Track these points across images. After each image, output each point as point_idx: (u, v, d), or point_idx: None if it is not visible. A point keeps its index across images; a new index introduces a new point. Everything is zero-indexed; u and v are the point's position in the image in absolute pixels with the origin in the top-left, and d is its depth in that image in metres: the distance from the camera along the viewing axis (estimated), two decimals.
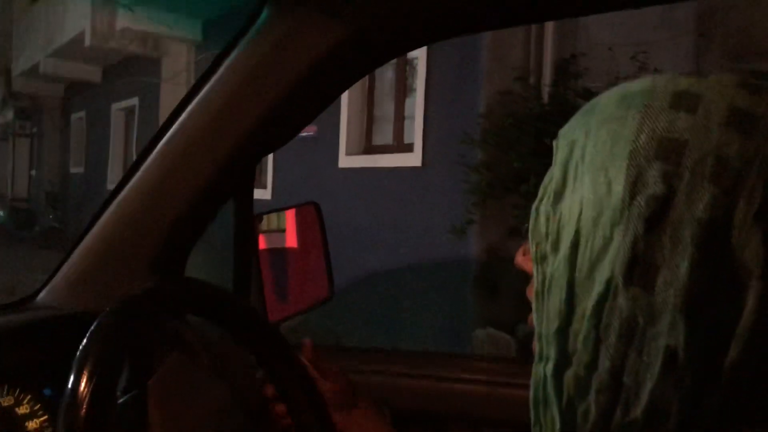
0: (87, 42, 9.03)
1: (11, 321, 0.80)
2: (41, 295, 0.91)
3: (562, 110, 3.86)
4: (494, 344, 4.02)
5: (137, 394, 0.65)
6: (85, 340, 0.56)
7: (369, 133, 5.78)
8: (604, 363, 0.39)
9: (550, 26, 4.29)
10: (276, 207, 1.01)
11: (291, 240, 1.02)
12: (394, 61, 5.03)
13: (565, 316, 0.41)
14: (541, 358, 0.44)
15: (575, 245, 0.41)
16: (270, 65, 0.84)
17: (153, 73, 8.96)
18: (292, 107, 0.87)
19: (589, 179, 0.41)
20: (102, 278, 0.88)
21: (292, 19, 0.82)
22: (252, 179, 0.95)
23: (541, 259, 0.44)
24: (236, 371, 0.77)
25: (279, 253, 1.00)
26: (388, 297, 4.96)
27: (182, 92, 0.90)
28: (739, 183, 0.36)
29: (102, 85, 10.93)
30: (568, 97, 3.96)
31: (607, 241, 0.39)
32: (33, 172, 14.88)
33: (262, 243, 0.95)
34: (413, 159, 4.99)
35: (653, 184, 0.38)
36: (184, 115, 0.88)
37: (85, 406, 0.52)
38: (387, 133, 5.63)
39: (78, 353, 0.55)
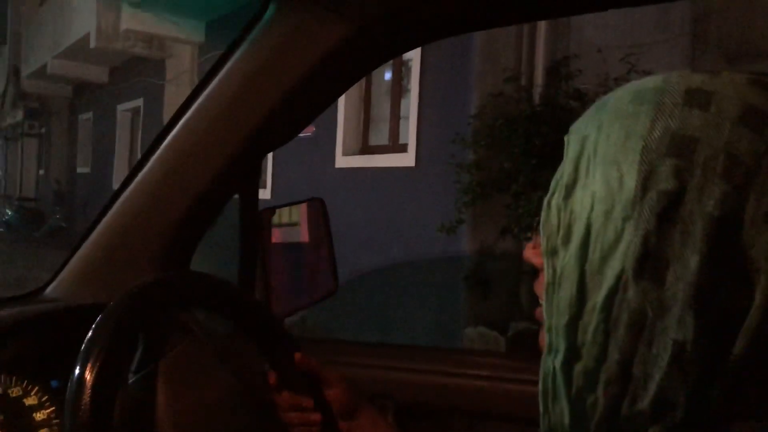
0: (92, 43, 9.00)
1: (19, 313, 0.79)
2: (49, 288, 0.90)
3: (553, 111, 3.86)
4: (485, 343, 4.02)
5: (146, 374, 0.64)
6: (90, 333, 0.55)
7: (365, 133, 5.77)
8: (614, 355, 0.39)
9: (542, 27, 4.28)
10: (277, 206, 1.00)
11: (298, 235, 1.02)
12: (391, 61, 5.03)
13: (575, 309, 0.41)
14: (550, 351, 0.43)
15: (586, 239, 0.40)
16: (273, 65, 0.83)
17: (157, 74, 8.95)
18: (295, 105, 0.85)
19: (601, 174, 0.40)
20: (108, 272, 0.87)
21: (294, 20, 0.81)
22: (257, 175, 0.94)
23: (552, 253, 0.43)
24: (242, 363, 0.75)
25: (285, 248, 0.99)
26: (380, 295, 4.96)
27: (186, 92, 0.89)
28: (750, 180, 0.36)
29: (108, 86, 10.91)
30: (559, 99, 3.96)
31: (619, 235, 0.39)
32: (41, 172, 14.83)
33: (270, 238, 0.94)
34: (407, 159, 4.99)
35: (665, 180, 0.37)
36: (188, 114, 0.86)
37: (89, 398, 0.51)
38: (383, 133, 5.63)
39: (83, 345, 0.54)
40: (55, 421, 0.71)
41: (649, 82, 0.42)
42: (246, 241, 0.92)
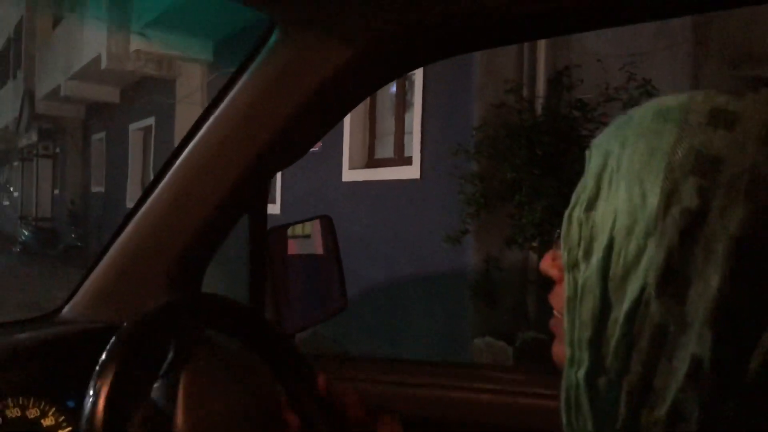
0: (104, 64, 9.09)
1: (36, 336, 0.79)
2: (64, 310, 0.90)
3: (555, 121, 3.85)
4: (493, 353, 4.00)
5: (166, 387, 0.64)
6: (104, 355, 0.55)
7: (371, 147, 5.78)
8: (636, 368, 0.39)
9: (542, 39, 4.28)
10: (286, 222, 1.00)
11: (307, 252, 1.02)
12: None
13: (598, 323, 0.41)
14: (572, 364, 0.43)
15: (609, 253, 0.40)
16: (280, 86, 0.83)
17: (168, 93, 9.00)
18: (303, 124, 0.86)
19: (624, 189, 0.40)
20: (122, 293, 0.87)
21: (300, 41, 0.81)
22: (266, 195, 0.94)
23: (573, 266, 0.43)
24: (254, 384, 0.75)
25: (294, 266, 0.99)
26: (388, 307, 4.94)
27: (197, 111, 0.89)
28: None
29: (120, 106, 10.99)
30: (561, 109, 3.96)
31: (641, 251, 0.39)
32: (56, 192, 14.93)
33: (279, 256, 0.94)
34: (412, 171, 4.99)
35: (688, 198, 0.37)
36: (198, 135, 0.87)
37: (101, 420, 0.51)
38: (388, 147, 5.64)
39: (97, 368, 0.54)
40: None
41: (674, 100, 0.42)
42: (256, 259, 0.92)
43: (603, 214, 0.41)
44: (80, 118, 13.11)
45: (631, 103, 3.29)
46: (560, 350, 0.45)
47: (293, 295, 0.95)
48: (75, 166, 13.49)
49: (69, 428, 0.72)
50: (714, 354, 0.36)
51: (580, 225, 0.43)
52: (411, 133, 5.16)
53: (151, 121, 9.85)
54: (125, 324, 0.58)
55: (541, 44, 4.28)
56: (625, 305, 0.39)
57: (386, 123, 5.70)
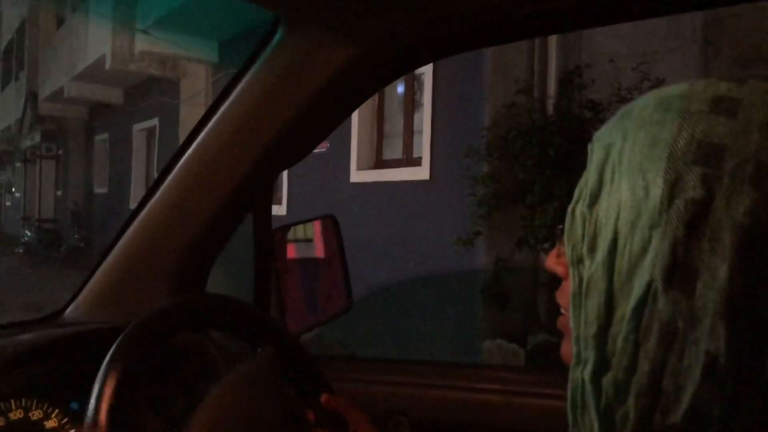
0: (108, 65, 9.15)
1: (40, 337, 0.80)
2: (68, 311, 0.91)
3: (566, 122, 3.84)
4: (504, 356, 3.99)
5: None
6: (108, 357, 0.56)
7: (379, 148, 5.79)
8: (644, 367, 0.38)
9: (553, 38, 4.27)
10: (291, 222, 1.01)
11: (311, 253, 1.02)
12: (403, 77, 5.04)
13: (604, 319, 0.40)
14: (578, 362, 0.43)
15: (613, 248, 0.40)
16: (285, 83, 0.84)
17: (172, 93, 9.04)
18: (307, 123, 0.86)
19: (626, 182, 0.40)
20: (126, 294, 0.88)
21: (304, 39, 0.82)
22: (270, 194, 0.95)
23: (578, 262, 0.43)
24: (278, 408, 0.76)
25: (299, 266, 1.00)
26: (398, 309, 4.94)
27: (201, 112, 0.90)
28: None
29: (123, 107, 11.05)
30: (572, 109, 3.95)
31: (646, 244, 0.38)
32: (59, 193, 15.03)
33: (283, 256, 0.95)
34: (422, 172, 4.98)
35: (692, 188, 0.37)
36: (202, 135, 0.88)
37: (105, 422, 0.52)
38: (397, 147, 5.64)
39: (101, 369, 0.55)
40: None
41: (675, 89, 0.42)
42: (260, 259, 0.92)
43: (606, 208, 0.41)
44: (84, 119, 13.18)
45: None
46: (568, 349, 0.45)
47: (298, 296, 0.96)
48: (78, 167, 13.57)
49: (72, 430, 0.73)
50: (729, 350, 0.35)
51: (584, 220, 0.43)
52: (420, 133, 5.16)
53: (155, 121, 9.90)
54: (129, 325, 0.59)
55: (552, 44, 4.27)
56: (632, 301, 0.39)
57: (394, 123, 5.70)
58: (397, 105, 5.67)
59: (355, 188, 5.69)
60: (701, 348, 0.36)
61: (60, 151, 14.89)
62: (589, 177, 0.44)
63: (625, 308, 0.39)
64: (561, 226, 0.46)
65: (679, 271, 0.37)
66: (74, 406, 0.74)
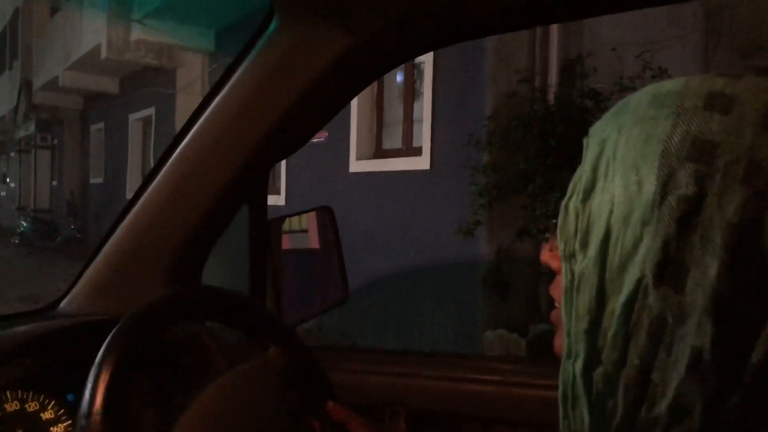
0: (103, 54, 9.13)
1: (36, 329, 0.80)
2: (63, 302, 0.92)
3: (568, 111, 3.84)
4: (505, 345, 4.01)
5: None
6: (102, 348, 0.56)
7: (379, 137, 5.78)
8: (633, 360, 0.39)
9: (555, 27, 4.27)
10: (290, 212, 1.01)
11: (307, 244, 1.03)
12: (402, 65, 5.03)
13: (595, 314, 0.41)
14: (569, 356, 0.43)
15: (605, 243, 0.40)
16: (281, 73, 0.84)
17: (168, 83, 9.04)
18: (303, 113, 0.87)
19: (620, 177, 0.40)
20: (121, 285, 0.89)
21: (301, 27, 0.82)
22: (266, 185, 0.95)
23: (570, 256, 0.43)
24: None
25: (295, 257, 1.00)
26: (399, 299, 4.96)
27: (197, 101, 0.90)
28: None
29: (119, 96, 11.04)
30: (574, 98, 3.94)
31: (638, 240, 0.38)
32: (54, 183, 15.02)
33: (279, 247, 0.95)
34: (422, 162, 4.99)
35: (685, 185, 0.37)
36: (197, 125, 0.88)
37: (100, 413, 0.52)
38: (396, 137, 5.63)
39: (95, 361, 0.55)
40: None
41: (670, 84, 0.42)
42: (256, 250, 0.93)
43: (599, 203, 0.41)
44: (79, 109, 13.17)
45: None
46: (561, 342, 0.45)
47: (293, 287, 0.96)
48: (73, 157, 13.56)
49: (69, 422, 0.74)
50: (715, 346, 0.36)
51: (577, 215, 0.43)
52: (420, 122, 5.16)
53: (151, 111, 9.89)
54: (124, 317, 0.59)
55: (554, 33, 4.26)
56: (622, 296, 0.39)
57: (394, 112, 5.69)
58: (396, 94, 5.67)
59: (355, 178, 5.69)
60: (687, 343, 0.37)
61: (55, 141, 14.87)
62: (583, 172, 0.44)
63: (616, 303, 0.39)
64: (555, 221, 0.46)
65: (670, 268, 0.37)
66: (70, 397, 0.75)
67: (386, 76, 5.43)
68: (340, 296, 1.00)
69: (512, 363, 1.00)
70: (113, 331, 0.57)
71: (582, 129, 3.97)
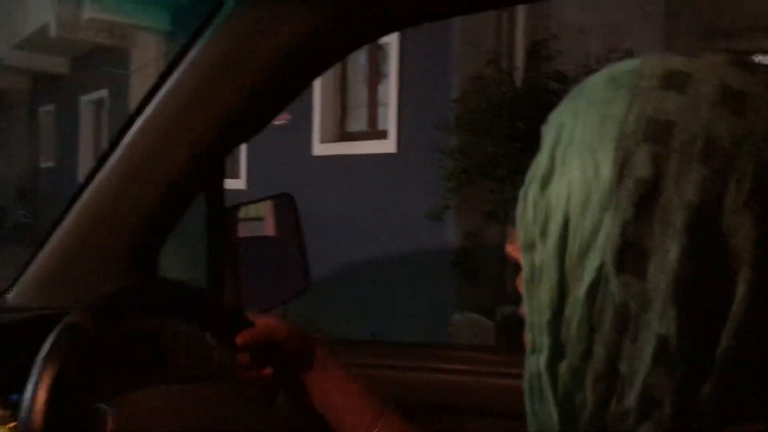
0: (52, 33, 8.85)
1: None
2: (10, 294, 0.89)
3: (535, 94, 3.88)
4: (473, 328, 4.05)
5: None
6: (45, 345, 0.54)
7: (343, 120, 5.75)
8: (599, 351, 0.38)
9: (521, 9, 4.29)
10: (251, 197, 1.00)
11: (266, 232, 1.01)
12: (366, 46, 5.00)
13: (557, 305, 0.40)
14: (534, 349, 0.43)
15: (564, 231, 0.40)
16: (238, 54, 0.82)
17: (122, 64, 8.83)
18: (262, 96, 0.85)
19: (577, 162, 0.40)
20: (71, 277, 0.86)
21: (260, 6, 0.80)
22: (223, 171, 0.93)
23: (529, 247, 0.42)
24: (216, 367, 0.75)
25: (254, 246, 0.99)
26: (367, 284, 4.97)
27: (153, 83, 0.88)
28: (730, 164, 0.35)
29: (70, 77, 10.74)
30: (540, 80, 3.98)
31: (597, 226, 0.38)
32: (1, 167, 14.58)
33: (237, 235, 0.93)
34: (388, 146, 4.98)
35: (642, 167, 0.36)
36: (150, 109, 0.86)
37: (41, 416, 0.50)
38: (361, 120, 5.61)
39: (38, 358, 0.53)
40: None
41: (626, 65, 0.41)
42: (213, 240, 0.91)
43: (557, 190, 0.40)
44: (27, 90, 12.79)
45: None
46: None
47: (253, 277, 0.95)
48: (22, 141, 13.19)
49: (15, 422, 0.72)
50: (680, 333, 0.35)
51: (536, 204, 0.42)
52: (386, 105, 5.14)
53: (104, 93, 9.68)
54: (71, 312, 0.57)
55: (520, 14, 4.28)
56: (584, 285, 0.38)
57: (358, 95, 5.67)
58: (361, 76, 5.63)
59: (319, 161, 5.66)
60: (652, 331, 0.36)
61: (4, 124, 14.41)
62: (541, 159, 0.43)
63: (578, 293, 0.39)
64: (515, 211, 0.45)
65: (630, 253, 0.36)
66: (15, 397, 0.72)
67: (350, 58, 5.40)
68: (302, 285, 0.99)
69: (484, 352, 1.01)
70: (58, 328, 0.56)
71: (549, 112, 4.01)
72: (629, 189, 0.37)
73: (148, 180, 0.85)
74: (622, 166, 0.37)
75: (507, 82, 4.10)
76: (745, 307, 0.35)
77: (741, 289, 0.35)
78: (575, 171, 0.40)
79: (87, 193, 0.87)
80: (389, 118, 5.00)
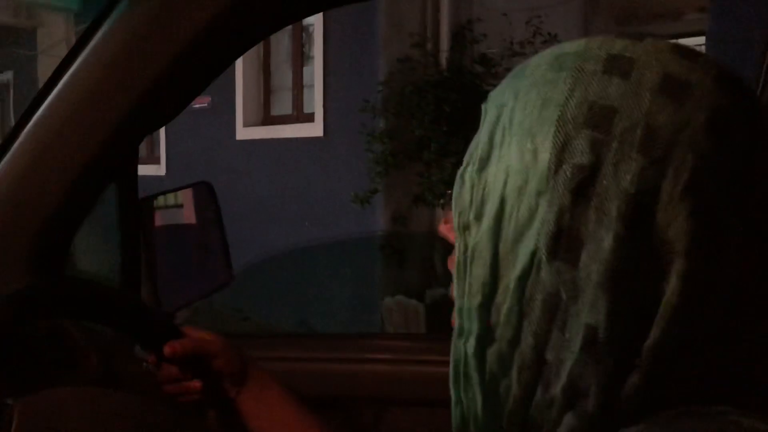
0: None
1: None
2: None
3: (460, 77, 3.92)
4: (403, 312, 4.10)
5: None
6: None
7: (267, 103, 5.66)
8: (527, 339, 0.38)
9: None
10: (171, 184, 0.96)
11: (184, 222, 0.97)
12: (289, 27, 4.92)
13: (488, 290, 0.40)
14: (461, 334, 0.42)
15: (500, 215, 0.39)
16: (149, 33, 0.78)
17: (28, 44, 8.40)
18: (176, 78, 0.81)
19: (516, 145, 0.39)
20: None
21: None
22: (135, 159, 0.89)
23: (464, 229, 0.42)
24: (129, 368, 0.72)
25: (171, 238, 0.95)
26: (294, 270, 4.93)
27: None
28: (668, 154, 0.35)
29: None
30: (465, 63, 4.03)
31: (533, 212, 0.37)
32: None
33: (152, 227, 0.89)
34: (314, 129, 4.94)
35: (580, 153, 0.36)
36: (55, 92, 0.80)
37: None
38: (286, 103, 5.53)
39: None
40: None
41: (570, 47, 0.40)
42: (126, 234, 0.87)
43: (495, 173, 0.40)
44: None
45: None
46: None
47: (172, 270, 0.91)
48: None
49: None
50: (609, 324, 0.35)
51: (473, 186, 0.41)
52: (311, 87, 5.09)
53: (8, 75, 9.19)
54: None
55: None
56: (516, 270, 0.38)
57: (283, 77, 5.58)
58: (285, 57, 5.54)
59: (243, 146, 5.56)
60: (582, 321, 0.36)
61: None
62: (479, 140, 0.42)
63: (510, 278, 0.38)
64: (451, 191, 0.45)
65: (564, 241, 0.36)
66: None
67: (273, 39, 5.30)
68: (224, 278, 0.96)
69: (409, 340, 1.01)
70: None
71: (474, 94, 4.10)
72: (566, 175, 0.36)
73: (52, 171, 0.79)
74: (561, 152, 0.36)
75: (432, 65, 4.13)
76: (677, 300, 0.34)
77: (673, 282, 0.34)
78: (514, 154, 0.39)
79: None
80: (315, 101, 4.95)
